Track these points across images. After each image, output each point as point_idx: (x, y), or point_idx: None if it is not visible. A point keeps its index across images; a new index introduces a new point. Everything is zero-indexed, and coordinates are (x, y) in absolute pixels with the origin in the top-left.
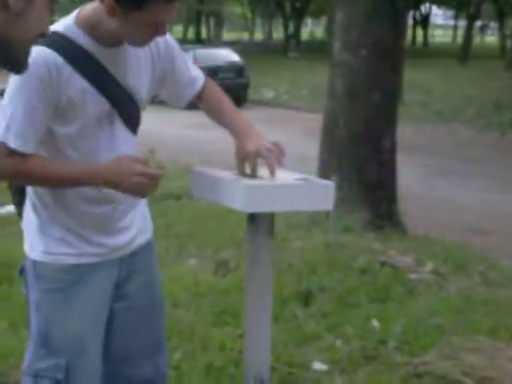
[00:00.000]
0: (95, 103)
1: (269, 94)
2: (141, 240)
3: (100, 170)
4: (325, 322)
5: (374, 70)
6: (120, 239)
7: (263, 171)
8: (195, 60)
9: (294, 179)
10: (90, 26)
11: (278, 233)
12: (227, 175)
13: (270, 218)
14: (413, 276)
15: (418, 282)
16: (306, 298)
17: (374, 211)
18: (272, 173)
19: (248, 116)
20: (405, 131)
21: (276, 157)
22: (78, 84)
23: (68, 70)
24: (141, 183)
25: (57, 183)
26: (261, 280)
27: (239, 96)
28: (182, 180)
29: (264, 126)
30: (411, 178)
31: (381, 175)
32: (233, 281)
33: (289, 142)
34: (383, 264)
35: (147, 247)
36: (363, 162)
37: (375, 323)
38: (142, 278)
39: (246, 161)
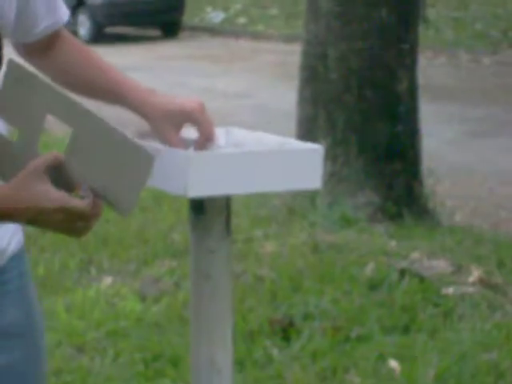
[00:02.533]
0: None
1: (217, 17)
2: (13, 245)
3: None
4: (316, 367)
5: None
6: None
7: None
8: None
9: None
10: None
11: (238, 230)
12: (154, 139)
13: (226, 206)
14: (450, 290)
15: (458, 300)
16: (286, 330)
17: (386, 192)
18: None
19: (186, 52)
20: (430, 66)
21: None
22: None
23: None
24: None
25: None
26: (214, 305)
27: (170, 21)
28: None
29: (211, 66)
30: (443, 138)
31: (395, 136)
32: (169, 309)
33: (253, 90)
34: (404, 273)
35: (19, 259)
36: (367, 117)
37: (394, 365)
38: (16, 313)
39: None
